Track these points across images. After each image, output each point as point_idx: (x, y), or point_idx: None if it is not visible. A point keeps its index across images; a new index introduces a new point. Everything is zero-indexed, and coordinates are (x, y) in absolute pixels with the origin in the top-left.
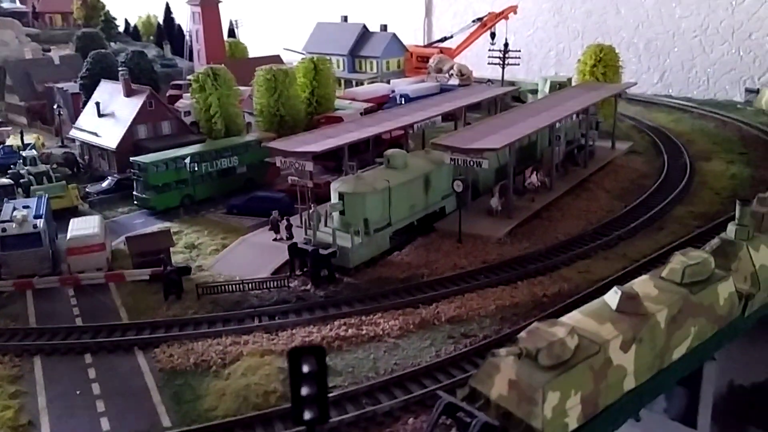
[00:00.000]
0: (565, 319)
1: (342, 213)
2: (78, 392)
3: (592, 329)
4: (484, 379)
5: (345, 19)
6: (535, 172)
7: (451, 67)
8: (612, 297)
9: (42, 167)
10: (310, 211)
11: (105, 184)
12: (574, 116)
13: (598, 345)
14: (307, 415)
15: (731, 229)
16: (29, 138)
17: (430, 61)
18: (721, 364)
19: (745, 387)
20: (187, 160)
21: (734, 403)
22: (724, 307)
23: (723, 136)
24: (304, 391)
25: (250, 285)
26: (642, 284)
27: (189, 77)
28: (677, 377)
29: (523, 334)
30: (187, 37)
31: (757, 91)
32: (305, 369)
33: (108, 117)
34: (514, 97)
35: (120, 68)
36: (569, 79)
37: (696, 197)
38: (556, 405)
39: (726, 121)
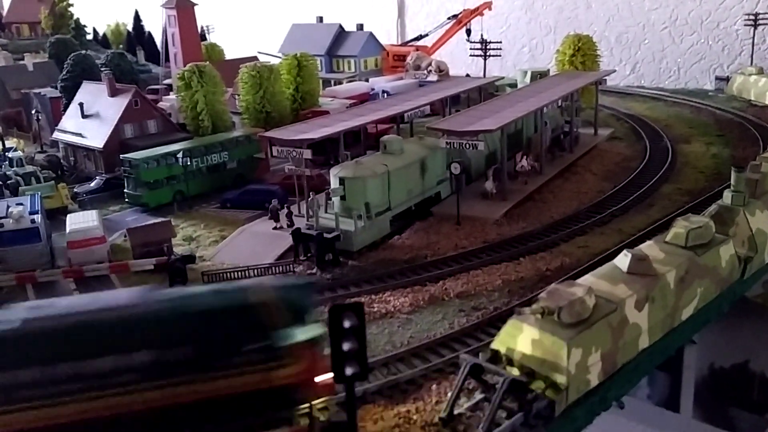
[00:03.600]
0: (580, 281)
1: (343, 198)
2: None
3: (607, 290)
4: (506, 340)
5: (320, 19)
6: (525, 157)
7: (429, 64)
8: (622, 260)
9: (29, 168)
10: (309, 198)
11: (93, 183)
12: (557, 104)
13: (615, 303)
14: (348, 371)
15: (727, 195)
16: (9, 143)
17: (408, 58)
18: (702, 348)
19: (725, 369)
20: (180, 155)
21: (716, 385)
22: (725, 269)
23: (699, 121)
24: (346, 346)
25: (255, 271)
26: (648, 249)
27: (165, 82)
28: (685, 338)
29: (543, 294)
30: (161, 42)
31: (728, 79)
32: (346, 324)
33: (93, 117)
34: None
35: (102, 69)
36: (548, 71)
37: (681, 176)
38: (579, 361)
39: (700, 108)
